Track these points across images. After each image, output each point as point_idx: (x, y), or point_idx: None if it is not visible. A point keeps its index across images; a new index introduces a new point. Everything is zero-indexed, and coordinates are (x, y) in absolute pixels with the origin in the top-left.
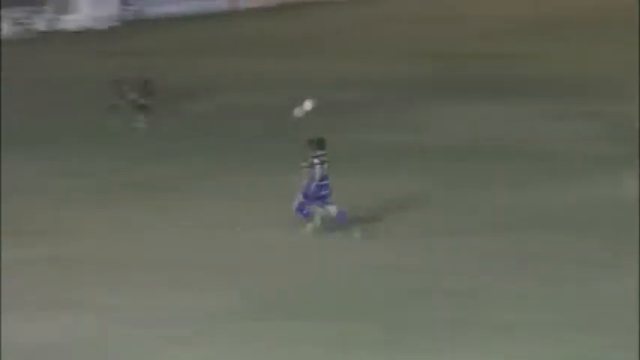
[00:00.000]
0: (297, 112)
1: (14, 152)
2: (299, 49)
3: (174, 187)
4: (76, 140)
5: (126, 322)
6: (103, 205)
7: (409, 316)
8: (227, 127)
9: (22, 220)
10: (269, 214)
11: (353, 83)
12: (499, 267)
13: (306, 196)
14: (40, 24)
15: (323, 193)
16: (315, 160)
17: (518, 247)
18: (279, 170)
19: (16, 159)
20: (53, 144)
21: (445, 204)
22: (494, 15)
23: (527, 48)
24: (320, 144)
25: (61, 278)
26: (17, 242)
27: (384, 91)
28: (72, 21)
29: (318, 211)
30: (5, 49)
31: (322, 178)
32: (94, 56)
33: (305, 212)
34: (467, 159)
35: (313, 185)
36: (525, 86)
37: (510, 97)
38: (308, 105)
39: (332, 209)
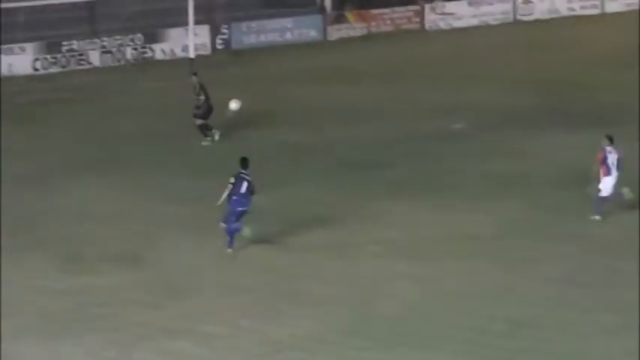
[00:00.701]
0: (228, 113)
1: (107, 179)
2: (395, 77)
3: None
4: (175, 167)
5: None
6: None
7: None
8: (325, 155)
9: (121, 246)
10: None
11: (456, 111)
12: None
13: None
14: (130, 52)
15: (239, 208)
16: (241, 176)
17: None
18: (378, 198)
19: (110, 185)
20: (150, 170)
21: (543, 231)
22: (598, 43)
23: (633, 76)
24: (244, 163)
25: (158, 304)
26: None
27: (486, 119)
28: (161, 50)
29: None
30: (97, 77)
31: (243, 194)
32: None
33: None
34: (569, 188)
35: (233, 199)
36: (631, 115)
37: (614, 126)
38: (233, 105)
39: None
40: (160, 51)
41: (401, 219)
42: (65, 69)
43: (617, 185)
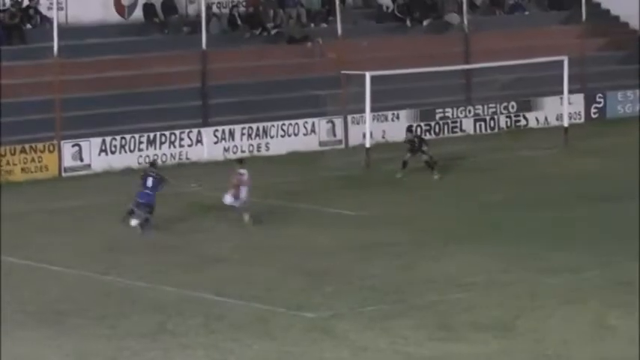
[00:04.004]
0: None
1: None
2: None
3: None
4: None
5: None
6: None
7: None
8: None
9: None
10: None
11: None
12: None
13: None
14: (504, 120)
15: (141, 200)
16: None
17: None
18: None
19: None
20: (527, 240)
21: None
22: None
23: None
24: (153, 164)
25: None
26: None
27: None
28: (535, 118)
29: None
30: (470, 145)
31: (150, 189)
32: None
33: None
34: None
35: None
36: None
37: None
38: None
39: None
40: (533, 119)
41: None
42: (438, 136)
43: None
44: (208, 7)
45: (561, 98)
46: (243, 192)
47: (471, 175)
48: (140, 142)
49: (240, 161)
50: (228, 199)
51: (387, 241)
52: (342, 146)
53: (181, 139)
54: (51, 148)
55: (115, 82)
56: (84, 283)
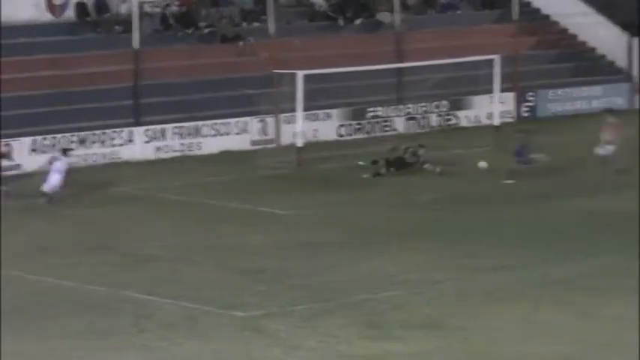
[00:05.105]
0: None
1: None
2: None
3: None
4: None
5: None
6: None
7: None
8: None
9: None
10: None
11: None
12: None
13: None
14: (435, 119)
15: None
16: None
17: None
18: None
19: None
20: (462, 237)
21: None
22: None
23: None
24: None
25: None
26: None
27: None
28: (465, 117)
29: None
30: (401, 144)
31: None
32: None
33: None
34: None
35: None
36: None
37: None
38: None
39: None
40: (465, 118)
41: None
42: (370, 135)
43: None
44: (141, 6)
45: (492, 97)
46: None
47: (402, 174)
48: (71, 142)
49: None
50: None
51: (319, 240)
52: (274, 145)
53: (113, 139)
54: None
55: (46, 81)
56: (12, 283)
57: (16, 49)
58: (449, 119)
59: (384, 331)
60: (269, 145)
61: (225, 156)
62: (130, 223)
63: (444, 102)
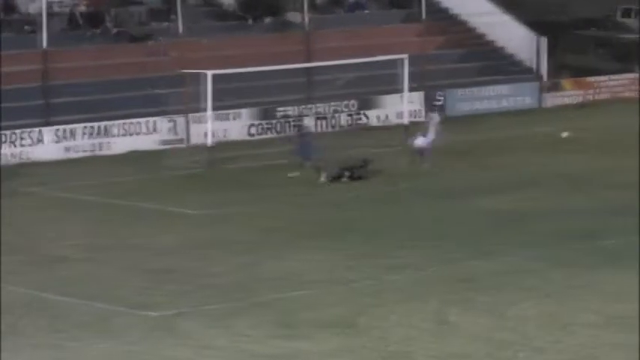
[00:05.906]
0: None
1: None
2: (614, 147)
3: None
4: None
5: None
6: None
7: None
8: (538, 224)
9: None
10: None
11: None
12: None
13: None
14: (345, 119)
15: None
16: None
17: None
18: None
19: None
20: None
21: None
22: None
23: None
24: None
25: None
26: None
27: None
28: (376, 117)
29: None
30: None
31: None
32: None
33: None
34: None
35: None
36: None
37: None
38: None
39: None
40: (374, 117)
41: (616, 289)
42: (280, 135)
43: None
44: (49, 6)
45: (401, 96)
46: None
47: (314, 173)
48: None
49: None
50: None
51: (230, 240)
52: (184, 145)
53: (22, 139)
54: None
55: None
56: None
57: None
58: (359, 119)
59: (296, 330)
60: (179, 145)
61: (135, 156)
62: (40, 224)
63: (354, 101)
